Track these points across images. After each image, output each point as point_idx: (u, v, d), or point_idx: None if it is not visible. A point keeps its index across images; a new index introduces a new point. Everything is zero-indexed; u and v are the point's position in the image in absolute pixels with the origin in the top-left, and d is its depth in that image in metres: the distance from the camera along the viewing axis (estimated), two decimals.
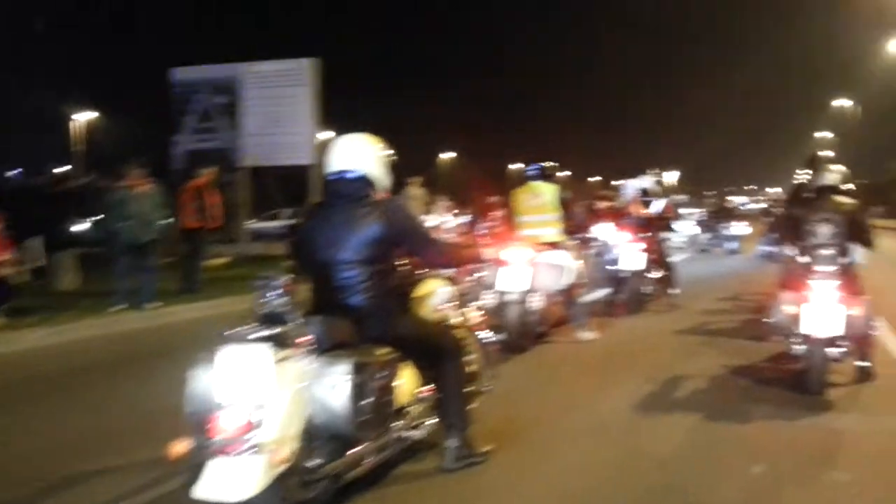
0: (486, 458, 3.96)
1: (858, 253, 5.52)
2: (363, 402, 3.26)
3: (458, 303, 4.31)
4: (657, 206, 9.97)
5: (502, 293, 6.76)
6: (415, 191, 13.31)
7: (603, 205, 11.02)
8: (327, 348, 3.27)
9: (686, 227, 18.31)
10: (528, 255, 6.87)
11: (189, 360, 3.13)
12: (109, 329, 8.58)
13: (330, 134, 19.27)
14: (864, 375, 5.38)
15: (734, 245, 18.71)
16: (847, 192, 5.54)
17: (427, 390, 3.86)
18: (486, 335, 4.56)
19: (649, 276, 9.24)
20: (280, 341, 3.07)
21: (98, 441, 4.63)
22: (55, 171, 35.18)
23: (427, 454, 3.98)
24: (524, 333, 6.84)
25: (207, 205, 10.80)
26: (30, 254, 11.53)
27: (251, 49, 28.96)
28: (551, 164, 7.60)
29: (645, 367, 6.17)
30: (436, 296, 4.14)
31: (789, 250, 6.18)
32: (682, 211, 18.33)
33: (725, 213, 20.58)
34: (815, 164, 6.37)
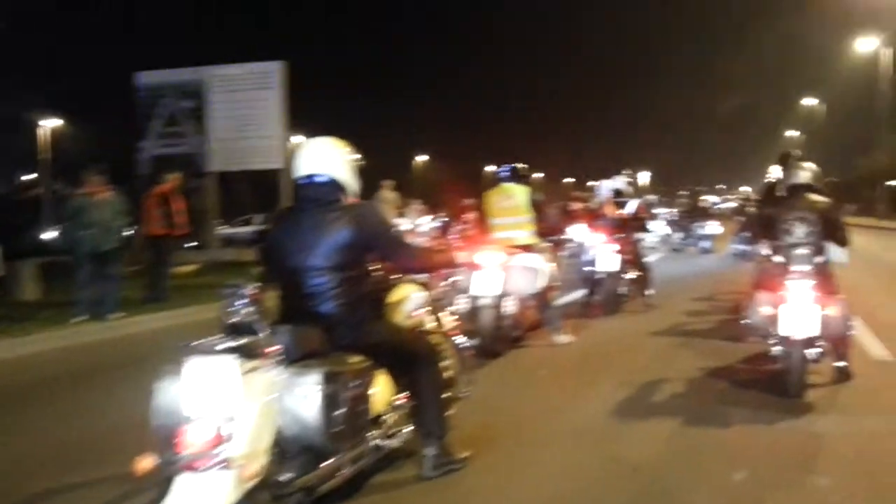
0: (465, 465, 3.90)
1: (839, 251, 5.51)
2: (335, 413, 3.16)
3: (432, 308, 4.24)
4: (631, 206, 9.98)
5: (475, 297, 6.68)
6: (387, 194, 13.22)
7: (577, 206, 11.03)
8: (297, 358, 3.17)
9: (658, 227, 18.42)
10: (501, 259, 6.80)
11: (154, 372, 3.01)
12: (71, 340, 8.33)
13: (301, 138, 19.10)
14: (842, 376, 5.36)
15: (707, 244, 18.85)
16: (819, 191, 5.53)
17: (402, 398, 3.77)
18: (461, 340, 4.49)
19: (624, 276, 9.21)
20: (248, 352, 2.95)
21: (59, 457, 4.47)
22: (22, 178, 34.56)
23: (404, 463, 3.90)
24: (499, 338, 6.75)
25: (173, 211, 10.58)
26: None
27: (218, 52, 28.62)
28: (523, 165, 7.53)
29: (621, 370, 6.13)
30: (409, 301, 4.07)
31: (763, 249, 6.18)
32: (654, 211, 18.43)
33: (699, 213, 20.72)
34: (787, 162, 6.39)
